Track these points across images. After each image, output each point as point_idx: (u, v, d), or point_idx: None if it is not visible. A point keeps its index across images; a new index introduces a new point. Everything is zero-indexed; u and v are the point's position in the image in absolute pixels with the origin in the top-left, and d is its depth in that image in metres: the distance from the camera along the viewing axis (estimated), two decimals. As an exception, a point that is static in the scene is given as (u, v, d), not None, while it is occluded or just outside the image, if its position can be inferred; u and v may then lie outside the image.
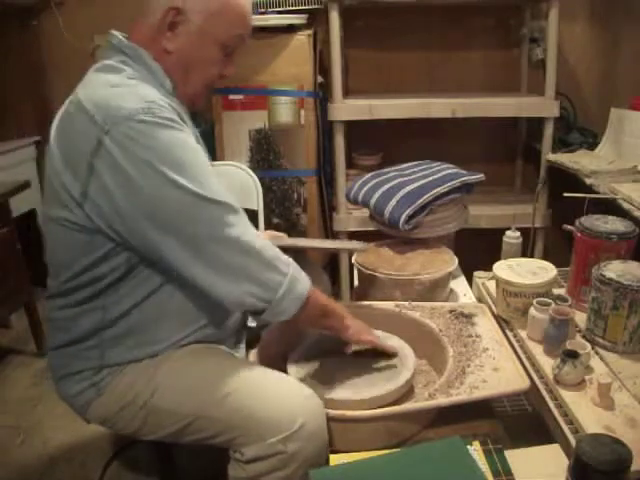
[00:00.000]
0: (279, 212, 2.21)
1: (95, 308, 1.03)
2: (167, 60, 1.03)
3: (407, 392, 1.12)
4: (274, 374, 1.07)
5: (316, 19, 2.18)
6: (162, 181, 0.91)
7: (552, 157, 2.03)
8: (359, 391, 1.09)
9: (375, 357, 1.20)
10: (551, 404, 1.07)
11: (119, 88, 0.96)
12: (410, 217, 1.57)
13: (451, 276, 1.54)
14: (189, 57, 1.03)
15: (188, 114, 1.10)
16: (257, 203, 1.86)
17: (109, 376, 1.06)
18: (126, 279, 1.01)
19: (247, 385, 1.02)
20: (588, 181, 1.75)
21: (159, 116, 0.92)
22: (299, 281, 1.01)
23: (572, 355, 1.07)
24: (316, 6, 2.08)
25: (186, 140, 0.96)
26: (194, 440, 1.04)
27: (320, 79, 2.17)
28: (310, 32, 2.09)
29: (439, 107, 2.04)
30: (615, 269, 1.18)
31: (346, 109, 2.08)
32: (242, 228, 0.97)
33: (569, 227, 1.37)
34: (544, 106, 2.04)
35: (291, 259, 1.02)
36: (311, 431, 0.98)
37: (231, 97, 2.12)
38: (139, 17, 1.03)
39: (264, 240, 1.01)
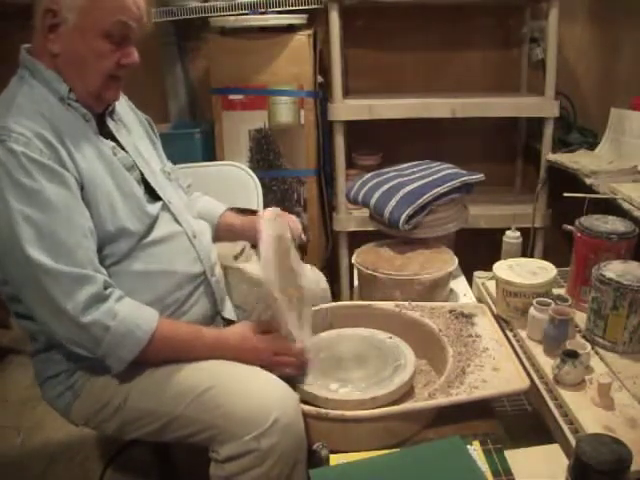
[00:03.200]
0: (279, 212, 2.21)
1: None
2: (58, 63, 1.03)
3: (407, 392, 1.12)
4: (248, 369, 1.06)
5: (316, 19, 2.18)
6: None
7: (552, 157, 2.03)
8: (359, 391, 1.09)
9: (375, 357, 1.20)
10: (551, 404, 1.07)
11: None
12: (410, 217, 1.57)
13: (451, 276, 1.54)
14: (76, 55, 1.02)
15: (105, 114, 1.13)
16: (257, 203, 1.86)
17: (82, 378, 1.07)
18: None
19: (220, 383, 1.02)
20: (588, 181, 1.75)
21: (6, 147, 0.93)
22: (121, 346, 0.98)
23: (572, 355, 1.07)
24: (316, 6, 2.08)
25: (22, 183, 0.94)
26: (176, 438, 1.05)
27: (320, 79, 2.17)
28: (310, 32, 2.09)
29: (439, 107, 2.04)
30: (615, 269, 1.18)
31: (346, 109, 2.07)
32: (58, 289, 0.94)
33: (569, 227, 1.37)
34: (544, 106, 2.04)
35: (119, 318, 0.98)
36: (285, 425, 0.97)
37: (231, 97, 2.12)
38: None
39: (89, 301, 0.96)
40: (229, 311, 1.24)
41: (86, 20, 0.99)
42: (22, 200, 0.93)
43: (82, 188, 1.01)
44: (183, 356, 1.05)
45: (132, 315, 1.00)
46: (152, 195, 1.14)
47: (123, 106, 1.23)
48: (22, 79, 1.04)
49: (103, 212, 1.02)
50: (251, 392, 1.01)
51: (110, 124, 1.14)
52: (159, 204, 1.14)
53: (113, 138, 1.13)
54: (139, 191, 1.10)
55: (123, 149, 1.13)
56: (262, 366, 1.07)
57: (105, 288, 0.98)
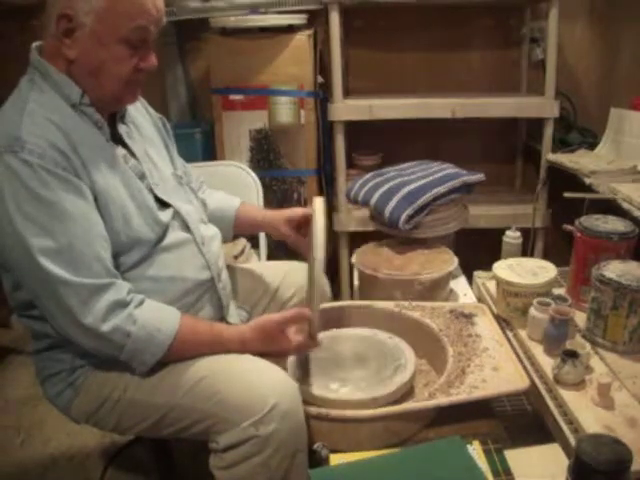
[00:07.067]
0: (279, 212, 2.21)
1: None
2: (73, 69, 1.00)
3: (407, 392, 1.13)
4: (244, 358, 1.05)
5: (316, 19, 2.18)
6: (8, 227, 0.93)
7: (552, 157, 2.03)
8: (359, 391, 1.09)
9: (375, 357, 1.20)
10: (551, 404, 1.07)
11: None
12: (410, 217, 1.57)
13: (451, 276, 1.54)
14: (93, 61, 0.99)
15: (117, 117, 1.11)
16: (257, 203, 1.86)
17: (82, 375, 1.08)
18: None
19: (217, 371, 1.02)
20: (588, 181, 1.75)
21: (20, 158, 0.92)
22: (144, 350, 0.99)
23: (572, 355, 1.07)
24: (316, 6, 2.08)
25: (41, 194, 0.93)
26: (174, 432, 1.05)
27: (320, 79, 2.17)
28: (310, 32, 2.09)
29: (439, 107, 2.04)
30: (615, 269, 1.18)
31: (346, 109, 2.08)
32: (76, 301, 0.94)
33: (569, 227, 1.37)
34: (544, 106, 2.04)
35: (139, 324, 0.98)
36: (284, 411, 0.97)
37: (231, 97, 2.12)
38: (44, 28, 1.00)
39: (107, 308, 0.96)
40: (233, 315, 1.25)
41: (104, 25, 0.96)
42: (40, 212, 0.92)
43: (95, 199, 1.00)
44: (207, 354, 1.06)
45: (153, 319, 1.00)
46: (162, 202, 1.13)
47: (137, 106, 1.20)
48: (32, 81, 1.01)
49: (117, 225, 1.02)
50: (248, 379, 1.01)
51: (121, 129, 1.12)
52: (170, 211, 1.13)
53: (124, 144, 1.11)
54: (150, 200, 1.09)
55: (134, 155, 1.11)
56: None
57: (127, 294, 0.99)
